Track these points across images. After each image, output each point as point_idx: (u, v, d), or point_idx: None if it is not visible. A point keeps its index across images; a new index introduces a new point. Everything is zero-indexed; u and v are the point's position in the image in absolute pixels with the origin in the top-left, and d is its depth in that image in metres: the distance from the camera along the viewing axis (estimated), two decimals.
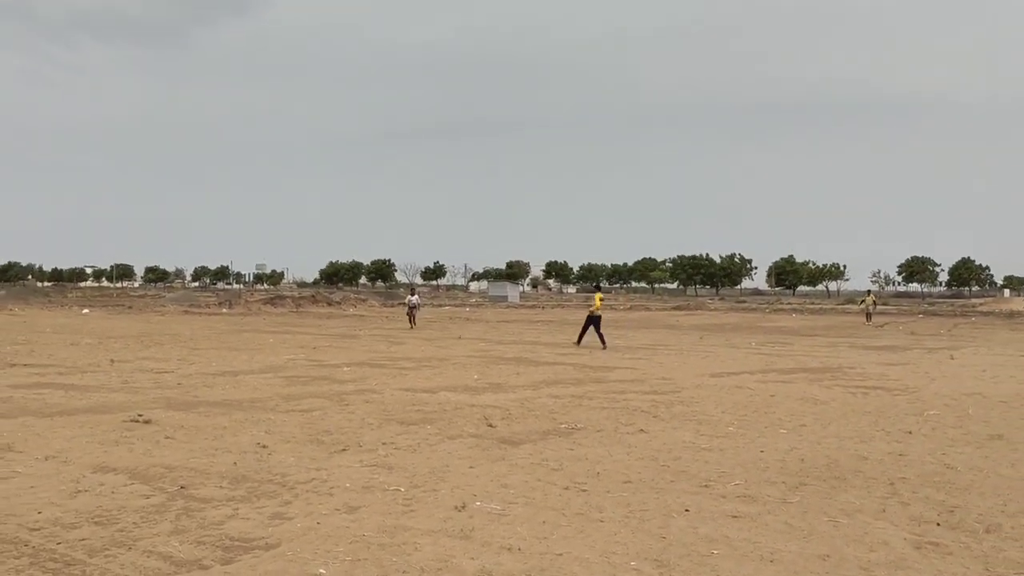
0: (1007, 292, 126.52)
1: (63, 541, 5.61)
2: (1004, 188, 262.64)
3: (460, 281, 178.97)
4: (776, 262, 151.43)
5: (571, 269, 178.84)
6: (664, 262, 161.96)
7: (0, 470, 7.65)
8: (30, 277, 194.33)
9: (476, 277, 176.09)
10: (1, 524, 5.97)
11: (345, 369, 17.29)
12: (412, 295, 38.94)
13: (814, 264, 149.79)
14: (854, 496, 7.13)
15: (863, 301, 51.35)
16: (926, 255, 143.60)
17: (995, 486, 7.58)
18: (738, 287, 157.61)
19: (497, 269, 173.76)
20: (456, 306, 75.40)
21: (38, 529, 5.88)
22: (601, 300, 26.14)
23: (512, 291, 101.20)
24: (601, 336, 24.65)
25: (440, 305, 76.52)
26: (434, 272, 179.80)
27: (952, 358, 22.14)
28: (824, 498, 7.04)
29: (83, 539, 5.66)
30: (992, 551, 5.71)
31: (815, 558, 5.48)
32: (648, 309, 71.69)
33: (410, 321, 36.64)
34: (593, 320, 25.15)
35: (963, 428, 10.71)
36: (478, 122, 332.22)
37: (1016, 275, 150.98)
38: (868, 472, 8.07)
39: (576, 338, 25.89)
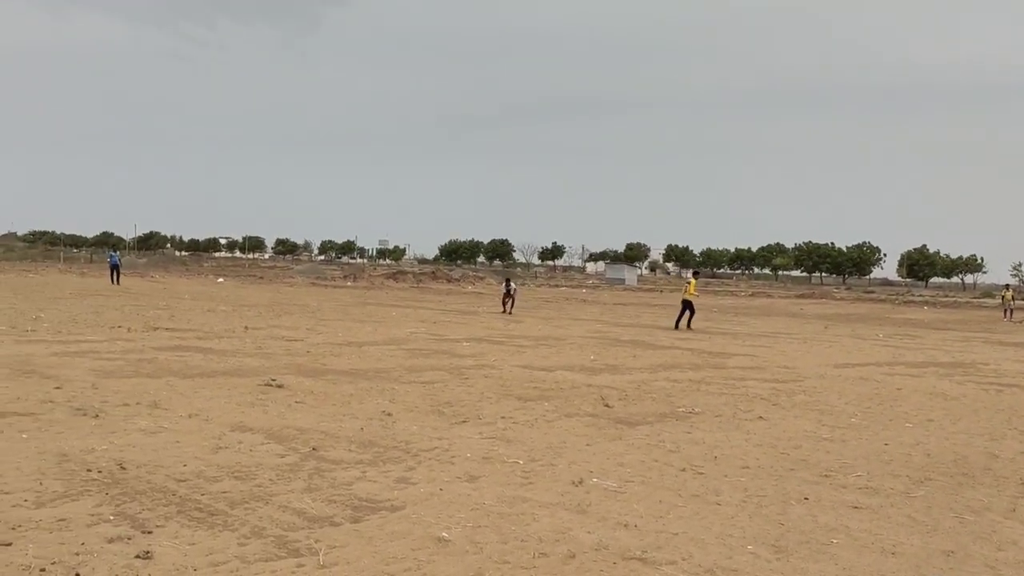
0: None
1: (207, 492, 6.02)
2: None
3: (577, 262, 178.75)
4: (908, 252, 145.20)
5: (692, 253, 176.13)
6: (790, 249, 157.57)
7: (149, 425, 8.21)
8: (168, 246, 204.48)
9: (594, 258, 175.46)
10: (151, 474, 6.44)
11: (464, 344, 17.65)
12: (508, 284, 32.32)
13: (948, 255, 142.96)
14: (983, 494, 6.91)
15: (1002, 295, 48.76)
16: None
17: None
18: (867, 277, 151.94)
19: (615, 251, 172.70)
20: (573, 287, 75.49)
21: (184, 480, 6.32)
22: (695, 286, 26.03)
23: (630, 274, 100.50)
24: (687, 320, 25.30)
25: (557, 286, 76.75)
26: (552, 253, 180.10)
27: None
28: (950, 494, 6.86)
29: (224, 492, 6.06)
30: None
31: (939, 553, 5.37)
32: (770, 296, 70.04)
33: (504, 306, 30.88)
34: (687, 304, 25.32)
35: None
36: (598, 101, 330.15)
37: None
38: (998, 470, 7.79)
39: (674, 323, 25.76)
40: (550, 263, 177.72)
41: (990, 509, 6.48)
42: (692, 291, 25.64)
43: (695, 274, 29.10)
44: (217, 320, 21.56)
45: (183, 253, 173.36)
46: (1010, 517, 6.28)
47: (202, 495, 5.96)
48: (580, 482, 6.72)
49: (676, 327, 25.12)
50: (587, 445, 8.15)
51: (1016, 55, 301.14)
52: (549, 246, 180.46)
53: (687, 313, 25.35)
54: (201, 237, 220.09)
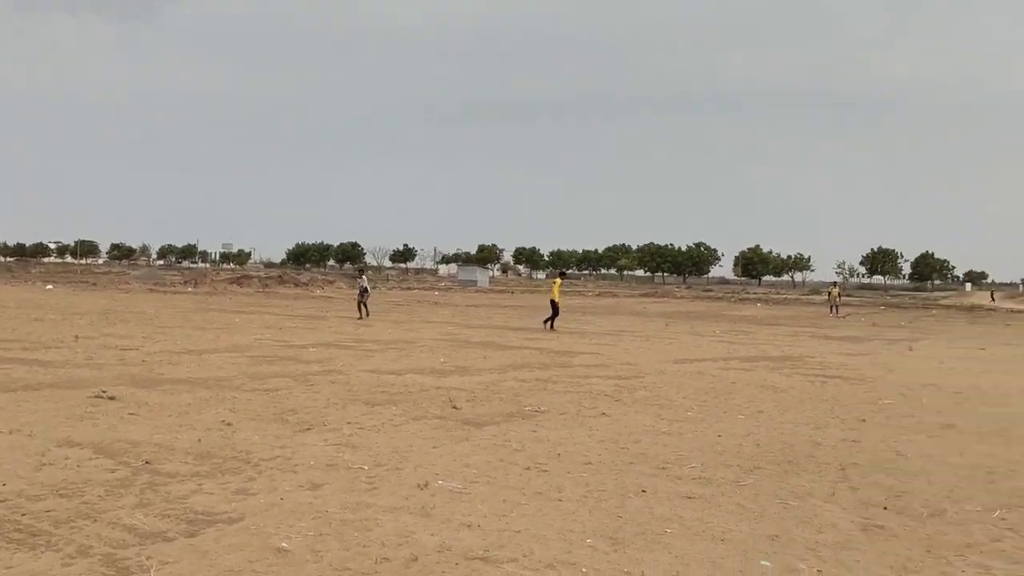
0: (968, 286, 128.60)
1: (28, 512, 5.66)
2: (971, 186, 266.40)
3: (429, 265, 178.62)
4: (743, 252, 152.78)
5: (541, 255, 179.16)
6: (634, 250, 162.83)
7: None
8: None
9: (446, 261, 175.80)
10: None
11: (311, 350, 17.31)
12: (361, 276, 31.38)
13: (779, 255, 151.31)
14: (806, 480, 7.34)
15: (829, 292, 52.00)
16: (890, 247, 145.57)
17: (943, 473, 7.83)
18: (705, 276, 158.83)
19: (467, 253, 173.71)
20: (425, 289, 75.35)
21: (3, 501, 5.91)
22: (559, 287, 26.64)
23: (482, 275, 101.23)
24: (550, 321, 25.74)
25: (409, 288, 76.42)
26: (403, 255, 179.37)
27: (911, 350, 22.58)
28: (776, 481, 7.25)
29: (48, 510, 5.71)
30: (935, 534, 5.94)
31: (764, 538, 5.67)
32: (616, 296, 72.05)
33: (359, 310, 28.86)
34: (554, 305, 25.90)
35: (916, 417, 10.99)
36: (455, 106, 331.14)
37: (975, 269, 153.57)
38: (821, 457, 8.30)
39: (541, 323, 26.31)
40: (402, 266, 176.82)
41: (812, 494, 6.88)
42: (556, 292, 26.24)
43: (562, 275, 29.59)
44: (45, 329, 20.30)
45: (8, 259, 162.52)
46: (830, 501, 6.69)
47: (23, 515, 5.60)
48: (425, 485, 6.71)
49: (544, 326, 25.65)
50: (433, 448, 8.15)
51: (821, 58, 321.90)
52: (401, 248, 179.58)
53: (554, 313, 25.94)
54: (28, 242, 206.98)
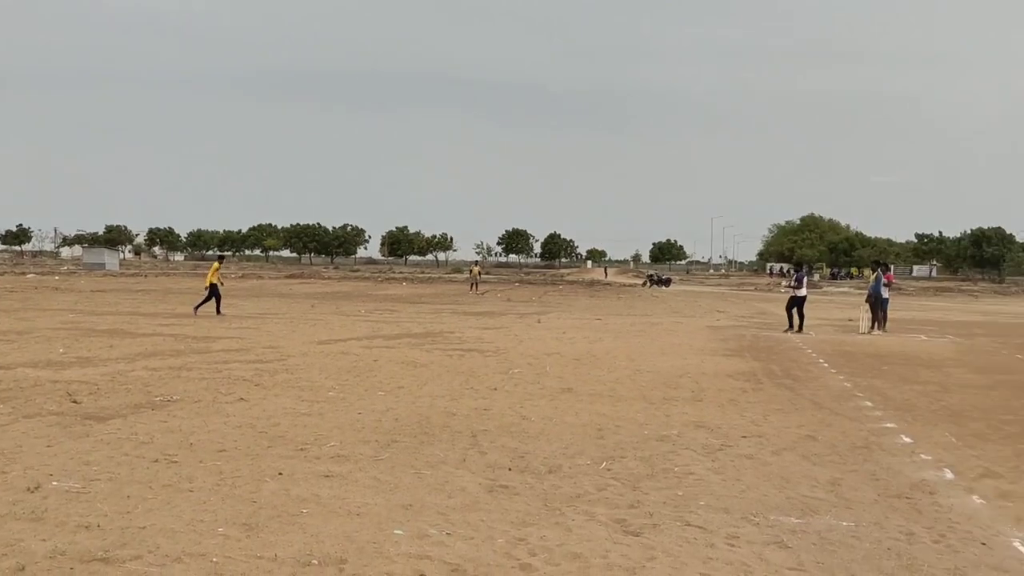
0: (590, 263, 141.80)
1: None
2: (593, 173, 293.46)
3: (50, 247, 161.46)
4: (390, 231, 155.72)
5: (178, 235, 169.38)
6: (280, 230, 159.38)
7: None
8: None
9: (68, 243, 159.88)
10: None
11: None
12: None
13: (423, 234, 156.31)
14: (440, 449, 7.70)
15: (470, 270, 54.64)
16: (523, 228, 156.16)
17: (560, 433, 8.59)
18: (353, 256, 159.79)
19: (94, 234, 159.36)
20: (43, 274, 68.00)
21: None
22: (216, 270, 25.35)
23: (110, 258, 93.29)
24: (202, 304, 24.39)
25: (23, 273, 68.55)
26: (17, 236, 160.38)
27: (539, 322, 24.45)
28: (412, 453, 7.52)
29: None
30: (551, 488, 6.51)
31: (399, 508, 5.87)
32: (261, 278, 70.13)
33: None
34: (213, 289, 24.58)
35: (540, 384, 11.94)
36: (69, 70, 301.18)
37: (597, 248, 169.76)
38: (455, 427, 8.74)
39: (196, 308, 24.86)
40: (16, 248, 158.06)
41: (445, 462, 7.23)
42: (213, 275, 24.73)
43: (220, 259, 27.95)
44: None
45: None
46: (461, 467, 7.08)
47: None
48: (36, 487, 6.10)
49: (218, 312, 24.06)
50: (48, 447, 7.42)
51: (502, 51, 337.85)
52: (13, 229, 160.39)
53: (213, 299, 24.37)
54: None
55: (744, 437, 8.58)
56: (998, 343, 20.46)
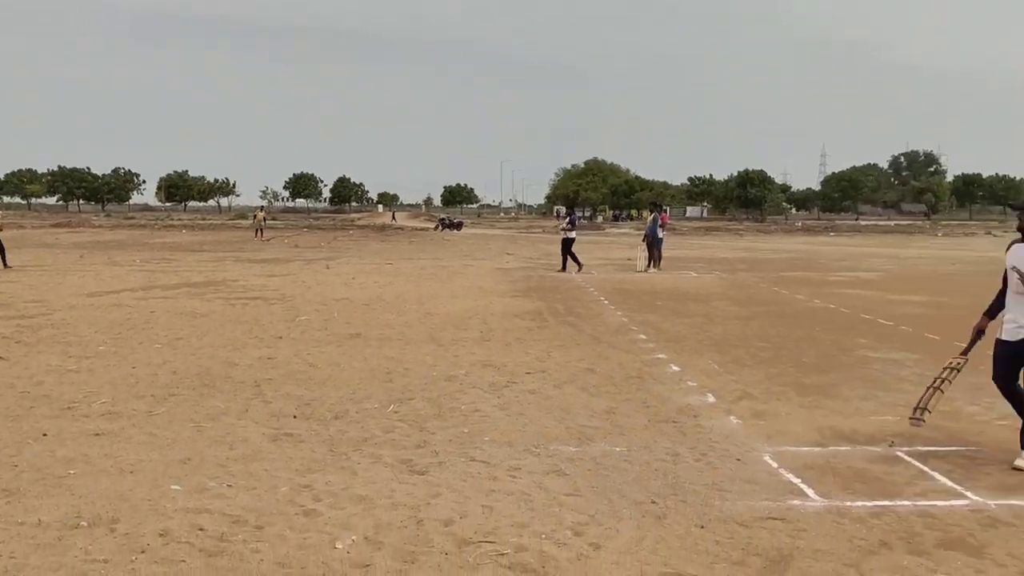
0: (381, 207, 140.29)
1: None
2: (385, 116, 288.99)
3: None
4: (167, 176, 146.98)
5: None
6: (42, 175, 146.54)
7: None
8: None
9: None
10: None
11: None
12: None
13: (205, 179, 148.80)
14: (221, 401, 7.46)
15: (255, 215, 52.66)
16: (311, 172, 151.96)
17: (347, 378, 8.54)
18: (127, 203, 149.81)
19: None
20: None
21: None
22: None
23: None
24: None
25: None
26: None
27: (328, 268, 24.02)
28: (192, 406, 7.25)
29: None
30: (337, 434, 6.48)
31: (176, 463, 5.65)
32: (23, 227, 64.46)
33: None
34: None
35: (328, 330, 11.79)
36: None
37: (389, 191, 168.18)
38: (237, 377, 8.48)
39: None
40: None
41: (226, 413, 7.02)
42: None
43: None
44: None
45: None
46: (243, 418, 6.90)
47: None
48: None
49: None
50: None
51: None
52: None
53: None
54: None
55: (528, 373, 8.88)
56: (758, 277, 22.19)
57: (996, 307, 6.09)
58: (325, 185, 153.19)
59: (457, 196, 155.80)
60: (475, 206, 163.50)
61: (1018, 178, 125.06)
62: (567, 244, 23.20)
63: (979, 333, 6.08)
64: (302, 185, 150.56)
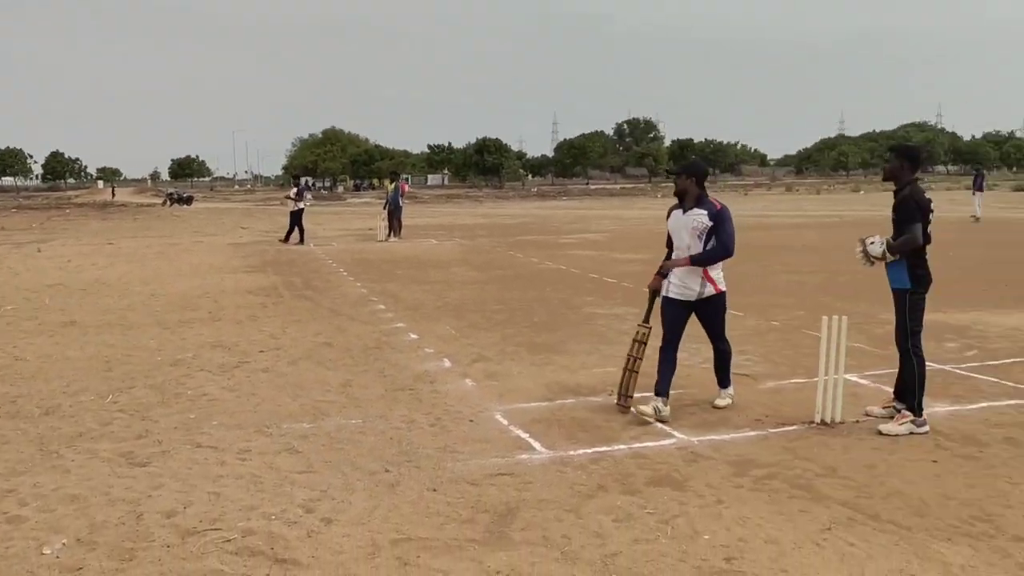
0: (101, 183, 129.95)
1: None
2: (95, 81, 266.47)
3: None
4: None
5: None
6: None
7: None
8: None
9: None
10: None
11: None
12: None
13: None
14: None
15: None
16: (18, 147, 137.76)
17: (60, 370, 7.89)
18: None
19: None
20: None
21: None
22: None
23: None
24: None
25: None
26: None
27: (40, 251, 21.97)
28: None
29: None
30: (48, 431, 5.98)
31: None
32: None
33: None
34: None
35: (39, 319, 10.81)
36: None
37: (109, 166, 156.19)
38: None
39: None
40: None
41: None
42: None
43: None
44: None
45: None
46: None
47: None
48: None
49: None
50: None
51: None
52: None
53: None
54: None
55: (262, 352, 8.62)
56: (495, 242, 22.86)
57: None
58: (36, 161, 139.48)
59: (187, 169, 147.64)
60: (208, 179, 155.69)
61: (725, 142, 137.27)
62: (296, 216, 22.70)
63: (654, 293, 6.38)
64: (7, 161, 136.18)
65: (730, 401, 6.39)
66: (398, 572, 3.81)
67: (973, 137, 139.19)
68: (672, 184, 6.47)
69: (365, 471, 5.08)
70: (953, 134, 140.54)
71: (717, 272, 6.16)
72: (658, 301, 6.38)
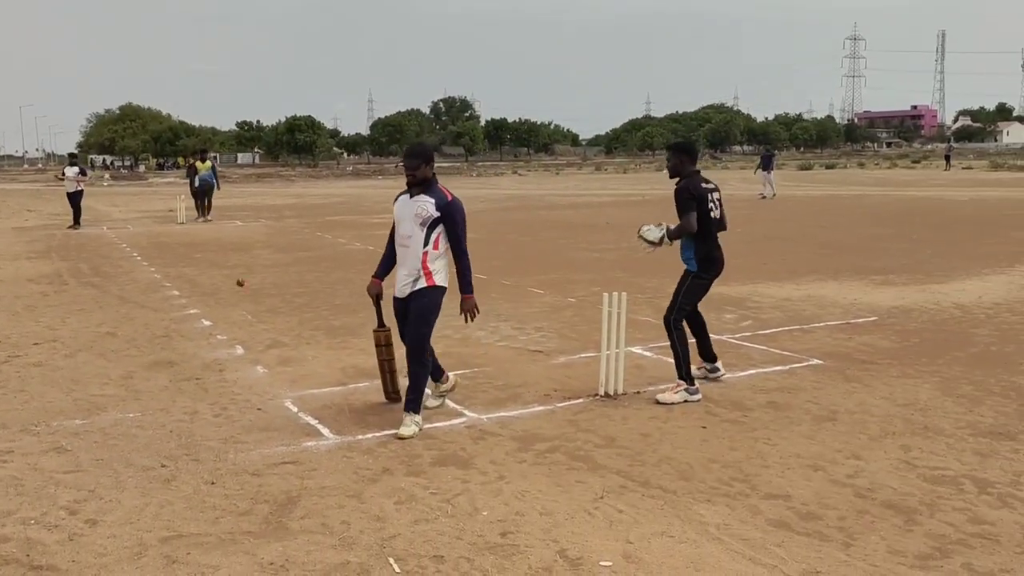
0: None
1: None
2: None
3: None
4: None
5: None
6: None
7: None
8: None
9: None
10: None
11: None
12: None
13: None
14: None
15: None
16: None
17: None
18: None
19: None
20: None
21: None
22: None
23: None
24: None
25: None
26: None
27: None
28: None
29: None
30: None
31: None
32: None
33: None
34: None
35: None
36: None
37: None
38: None
39: None
40: None
41: None
42: None
43: None
44: None
45: None
46: None
47: None
48: None
49: None
50: None
51: None
52: None
53: None
54: None
55: (36, 344, 8.05)
56: (304, 223, 22.33)
57: (386, 266, 5.76)
58: None
59: None
60: None
61: (539, 122, 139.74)
62: (75, 197, 21.31)
63: (377, 298, 5.78)
64: None
65: (416, 429, 5.36)
66: (165, 571, 3.66)
67: (766, 119, 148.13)
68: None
69: (139, 467, 4.84)
70: (748, 116, 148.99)
71: (437, 263, 5.46)
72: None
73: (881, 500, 4.35)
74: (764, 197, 28.95)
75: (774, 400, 6.06)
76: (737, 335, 8.14)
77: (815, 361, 7.14)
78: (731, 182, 47.28)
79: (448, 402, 6.03)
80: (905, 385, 6.42)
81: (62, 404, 6.11)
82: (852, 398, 6.10)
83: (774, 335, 8.14)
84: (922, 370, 6.84)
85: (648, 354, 7.41)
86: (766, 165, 30.65)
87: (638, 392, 6.26)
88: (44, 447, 5.21)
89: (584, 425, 5.55)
